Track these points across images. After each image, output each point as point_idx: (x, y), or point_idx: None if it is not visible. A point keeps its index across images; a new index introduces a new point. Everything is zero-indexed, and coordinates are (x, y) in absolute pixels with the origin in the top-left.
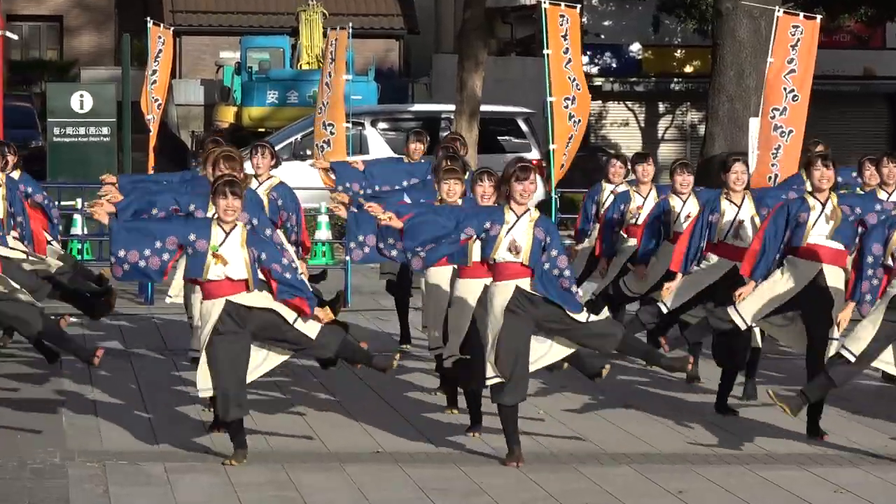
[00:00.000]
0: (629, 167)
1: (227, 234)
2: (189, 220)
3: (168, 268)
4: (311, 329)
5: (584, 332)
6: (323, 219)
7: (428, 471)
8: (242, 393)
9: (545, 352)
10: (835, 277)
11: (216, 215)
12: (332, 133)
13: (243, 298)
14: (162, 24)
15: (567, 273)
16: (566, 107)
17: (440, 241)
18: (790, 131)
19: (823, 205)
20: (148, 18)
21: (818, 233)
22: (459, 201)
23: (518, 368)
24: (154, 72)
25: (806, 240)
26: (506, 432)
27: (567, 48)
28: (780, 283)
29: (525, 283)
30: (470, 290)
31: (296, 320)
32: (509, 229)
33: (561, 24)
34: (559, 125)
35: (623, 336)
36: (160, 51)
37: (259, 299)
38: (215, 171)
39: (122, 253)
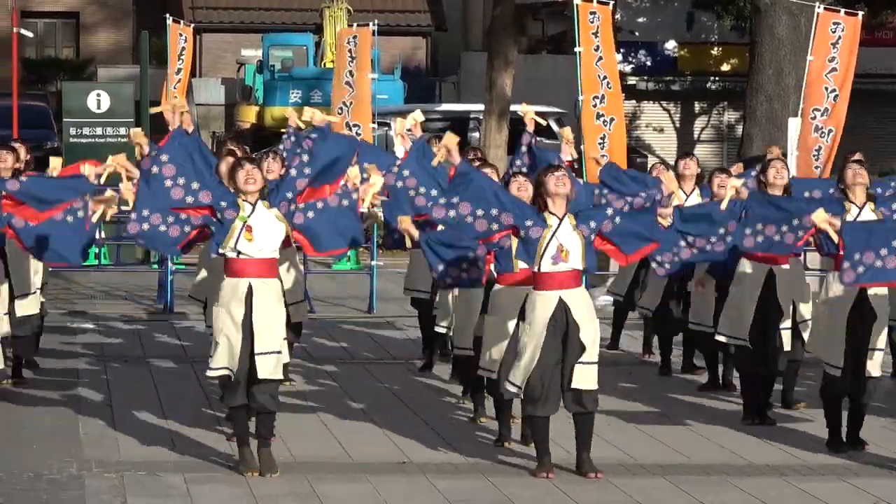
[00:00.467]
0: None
1: (254, 205)
2: (223, 189)
3: (190, 236)
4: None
5: (575, 362)
6: None
7: (455, 482)
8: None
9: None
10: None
11: (237, 192)
12: (358, 134)
13: (256, 302)
14: (182, 21)
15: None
16: (594, 105)
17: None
18: (830, 131)
19: (860, 209)
20: (167, 15)
21: None
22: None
23: (552, 382)
24: (179, 70)
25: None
26: (536, 443)
27: (598, 45)
28: (839, 307)
29: (569, 294)
30: (512, 299)
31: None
32: (553, 233)
33: (591, 21)
34: (587, 124)
35: (587, 417)
36: (183, 48)
37: (264, 316)
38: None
39: (154, 153)
